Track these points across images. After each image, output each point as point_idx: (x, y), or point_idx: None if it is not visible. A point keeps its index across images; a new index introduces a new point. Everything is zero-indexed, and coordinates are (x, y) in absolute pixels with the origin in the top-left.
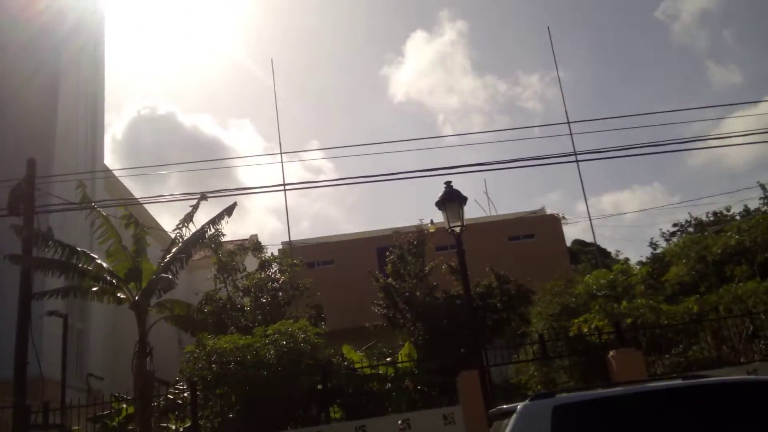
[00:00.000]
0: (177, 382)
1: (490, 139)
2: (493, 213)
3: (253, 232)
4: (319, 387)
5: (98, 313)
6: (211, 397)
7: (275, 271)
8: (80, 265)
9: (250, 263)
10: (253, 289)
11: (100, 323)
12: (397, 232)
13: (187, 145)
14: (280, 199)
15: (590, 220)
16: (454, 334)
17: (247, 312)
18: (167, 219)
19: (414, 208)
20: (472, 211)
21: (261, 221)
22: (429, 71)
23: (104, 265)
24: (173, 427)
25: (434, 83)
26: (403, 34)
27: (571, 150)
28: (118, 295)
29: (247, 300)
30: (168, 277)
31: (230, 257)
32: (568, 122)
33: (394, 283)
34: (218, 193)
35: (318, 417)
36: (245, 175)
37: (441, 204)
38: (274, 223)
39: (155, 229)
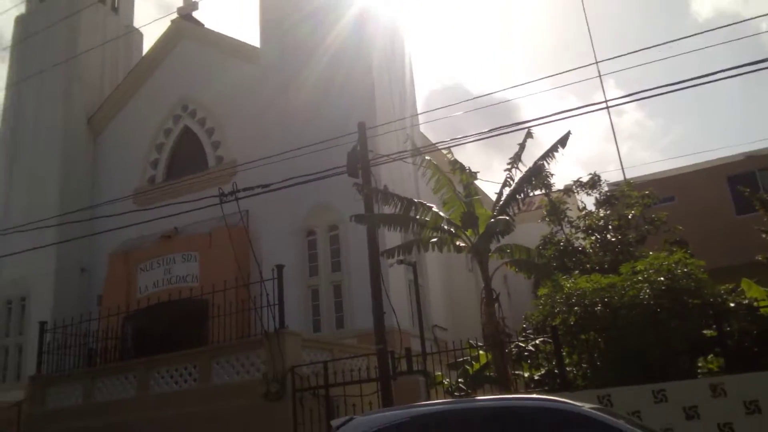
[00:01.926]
0: (524, 329)
1: None
2: None
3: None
4: (705, 332)
5: (433, 268)
6: (575, 342)
7: (618, 207)
8: (418, 216)
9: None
10: (595, 229)
11: (435, 277)
12: (751, 156)
13: (477, 112)
14: (588, 149)
15: None
16: None
17: (590, 254)
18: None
19: (746, 133)
20: None
21: (568, 174)
22: None
23: (441, 214)
24: (526, 375)
25: None
26: None
27: None
28: (457, 243)
29: (587, 242)
30: (506, 219)
31: (565, 194)
32: None
33: None
34: (539, 121)
35: (691, 367)
36: (546, 132)
37: None
38: (581, 174)
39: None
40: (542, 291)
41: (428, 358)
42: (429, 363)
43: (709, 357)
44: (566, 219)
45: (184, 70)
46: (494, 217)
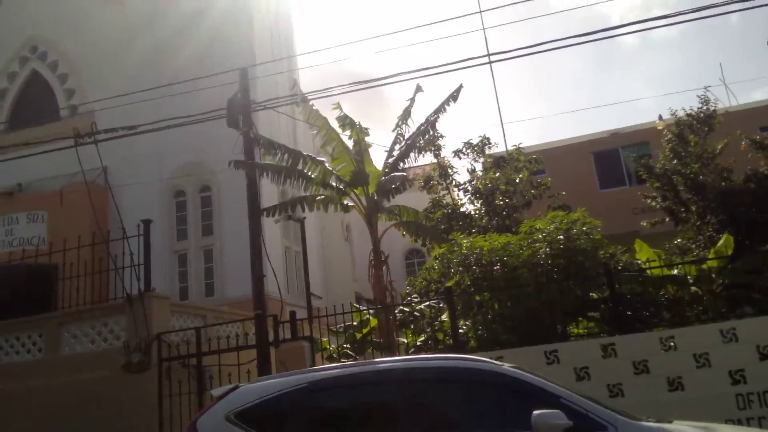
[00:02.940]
0: (407, 294)
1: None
2: (734, 103)
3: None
4: (593, 294)
5: (309, 236)
6: (470, 304)
7: (507, 170)
8: (306, 170)
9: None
10: (482, 193)
11: (311, 245)
12: (616, 134)
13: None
14: (475, 124)
15: None
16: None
17: (476, 218)
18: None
19: (623, 113)
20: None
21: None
22: None
23: (330, 168)
24: (406, 340)
25: None
26: None
27: None
28: (345, 202)
29: (473, 207)
30: (403, 175)
31: (456, 156)
32: None
33: (680, 167)
34: (424, 72)
35: (565, 331)
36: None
37: None
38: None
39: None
40: (437, 251)
41: (307, 325)
42: (306, 329)
43: (581, 320)
44: (454, 182)
45: (35, 6)
46: (386, 174)
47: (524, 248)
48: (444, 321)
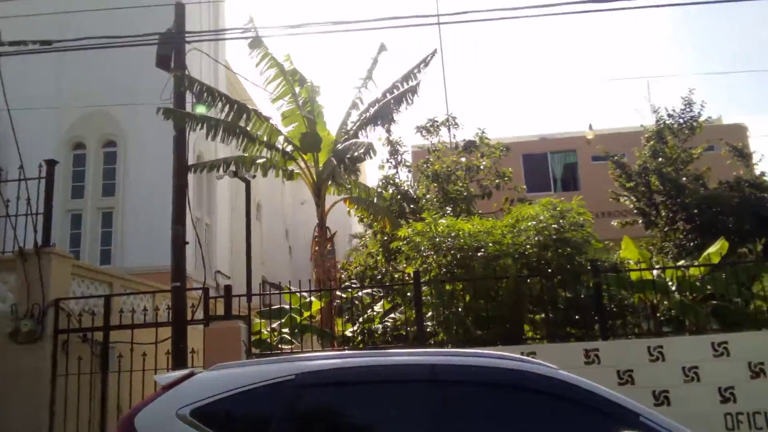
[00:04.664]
0: (341, 280)
1: None
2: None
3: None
4: (564, 294)
5: (223, 209)
6: (443, 293)
7: (475, 155)
8: (249, 127)
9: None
10: (440, 176)
11: (223, 221)
12: (545, 139)
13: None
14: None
15: None
16: (745, 234)
17: (424, 203)
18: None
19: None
20: (630, 122)
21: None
22: None
23: (279, 128)
24: (338, 329)
25: None
26: None
27: None
28: (289, 168)
29: (422, 188)
30: (367, 141)
31: (418, 133)
32: None
33: (660, 166)
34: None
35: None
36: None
37: None
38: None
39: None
40: (403, 232)
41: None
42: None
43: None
44: (402, 162)
45: None
46: (344, 140)
47: (507, 235)
48: (377, 312)
